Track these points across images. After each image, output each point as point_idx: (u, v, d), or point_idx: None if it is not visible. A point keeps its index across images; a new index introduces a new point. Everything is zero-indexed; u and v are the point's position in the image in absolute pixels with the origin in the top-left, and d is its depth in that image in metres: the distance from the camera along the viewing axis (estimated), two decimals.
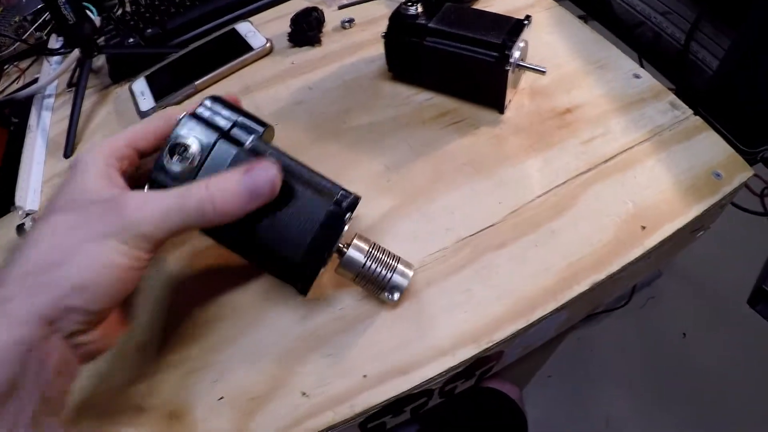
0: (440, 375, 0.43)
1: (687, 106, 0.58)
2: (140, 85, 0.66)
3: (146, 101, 0.64)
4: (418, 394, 0.45)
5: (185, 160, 0.39)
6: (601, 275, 0.47)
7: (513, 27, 0.54)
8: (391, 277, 0.44)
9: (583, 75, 0.60)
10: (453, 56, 0.55)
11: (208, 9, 0.70)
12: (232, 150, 0.39)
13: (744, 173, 0.53)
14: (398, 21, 0.57)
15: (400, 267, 0.44)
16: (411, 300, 0.46)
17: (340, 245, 0.42)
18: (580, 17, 0.68)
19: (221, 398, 0.44)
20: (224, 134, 0.40)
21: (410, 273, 0.45)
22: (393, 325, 0.45)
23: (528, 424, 0.72)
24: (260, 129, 0.42)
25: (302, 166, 0.42)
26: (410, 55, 0.58)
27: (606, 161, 0.53)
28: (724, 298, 1.15)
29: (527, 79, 0.60)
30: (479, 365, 0.48)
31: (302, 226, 0.40)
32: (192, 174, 0.39)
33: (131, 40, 0.69)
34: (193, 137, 0.39)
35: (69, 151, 0.65)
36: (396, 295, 0.44)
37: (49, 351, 0.32)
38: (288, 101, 0.64)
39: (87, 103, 0.69)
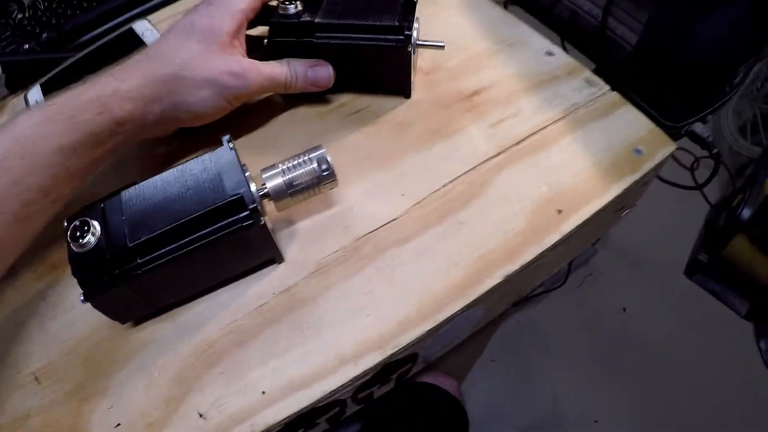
0: (344, 386, 0.38)
1: (604, 82, 0.52)
2: (35, 94, 0.58)
3: None
4: (327, 405, 0.40)
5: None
6: (515, 266, 0.42)
7: (405, 6, 0.48)
8: (315, 165, 0.40)
9: (492, 55, 0.54)
10: (349, 48, 0.48)
11: (105, 8, 0.62)
12: None
13: (666, 148, 0.49)
14: (280, 23, 0.49)
15: (311, 154, 0.41)
16: (309, 306, 0.41)
17: (261, 190, 0.40)
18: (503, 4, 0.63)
19: (118, 425, 0.38)
20: None
21: (321, 147, 0.42)
22: (290, 334, 0.39)
23: (470, 412, 0.68)
24: None
25: None
26: (300, 57, 0.50)
27: (517, 143, 0.48)
28: (661, 270, 1.12)
29: (432, 61, 0.54)
30: (392, 369, 0.42)
31: None
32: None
33: (27, 45, 0.61)
34: None
35: None
36: (331, 172, 0.41)
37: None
38: None
39: None
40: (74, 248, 0.36)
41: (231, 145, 0.39)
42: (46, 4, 0.65)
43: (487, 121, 0.49)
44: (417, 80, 0.53)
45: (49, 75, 0.60)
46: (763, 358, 0.97)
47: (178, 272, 0.38)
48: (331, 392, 0.38)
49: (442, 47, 0.48)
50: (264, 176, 0.40)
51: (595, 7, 0.65)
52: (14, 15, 0.67)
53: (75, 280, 0.45)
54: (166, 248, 0.37)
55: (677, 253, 1.07)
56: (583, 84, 0.52)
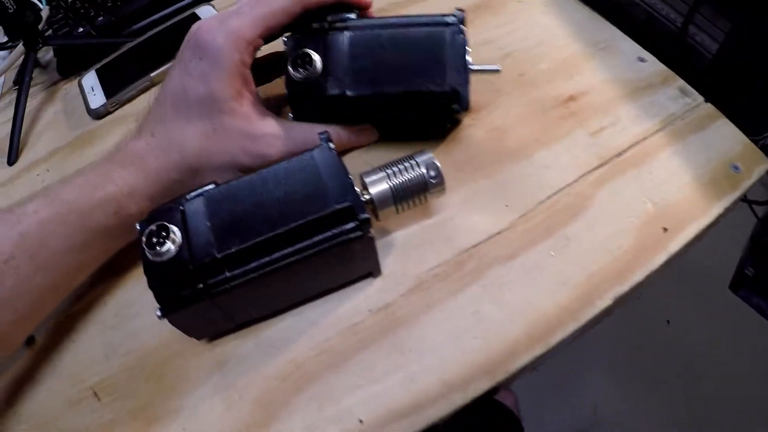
0: (449, 414, 0.33)
1: (697, 93, 0.48)
2: (90, 80, 0.53)
3: (96, 97, 0.51)
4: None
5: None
6: (625, 287, 0.37)
7: (452, 50, 0.39)
8: (423, 170, 0.35)
9: (585, 59, 0.49)
10: (391, 119, 0.42)
11: None
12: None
13: (762, 165, 0.45)
14: (302, 94, 0.39)
15: (418, 158, 0.36)
16: (409, 326, 0.36)
17: (362, 197, 0.34)
18: None
19: None
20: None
21: (427, 150, 0.37)
22: (389, 357, 0.35)
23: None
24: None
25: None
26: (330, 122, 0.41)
27: (618, 155, 0.43)
28: (706, 283, 1.07)
29: (525, 62, 0.49)
30: (486, 394, 0.38)
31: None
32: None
33: (81, 29, 0.56)
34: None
35: (13, 157, 0.52)
36: (441, 179, 0.36)
37: None
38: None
39: (33, 102, 0.56)
40: (150, 256, 0.31)
41: (331, 144, 0.34)
42: None
43: (586, 129, 0.44)
44: (511, 81, 0.48)
45: (105, 61, 0.55)
46: None
47: (269, 287, 0.33)
48: (435, 421, 0.33)
49: (498, 71, 0.41)
50: (367, 180, 0.35)
51: (673, 11, 0.61)
52: None
53: (139, 286, 0.41)
54: (260, 261, 0.32)
55: (722, 266, 1.03)
56: (677, 93, 0.48)
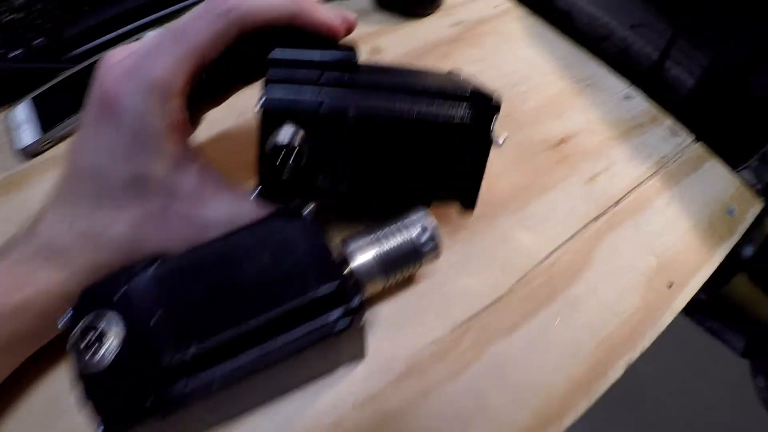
0: None
1: (687, 132, 0.44)
2: (22, 112, 0.44)
3: (27, 133, 0.43)
4: None
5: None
6: (636, 352, 0.33)
7: (476, 147, 0.30)
8: (415, 234, 0.29)
9: (572, 97, 0.45)
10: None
11: (115, 12, 0.49)
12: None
13: (755, 207, 0.42)
14: (280, 180, 0.28)
15: (409, 218, 0.30)
16: (403, 419, 0.29)
17: (345, 268, 0.27)
18: None
19: None
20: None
21: (421, 211, 0.30)
22: None
23: None
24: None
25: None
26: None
27: (615, 204, 0.39)
28: None
29: (508, 101, 0.43)
30: None
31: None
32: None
33: (16, 53, 0.48)
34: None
35: None
36: (435, 243, 0.29)
37: None
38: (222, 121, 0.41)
39: None
40: (82, 367, 0.22)
41: (309, 209, 0.27)
42: (42, 4, 0.51)
43: (580, 176, 0.39)
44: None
45: (43, 88, 0.46)
46: (761, 395, 0.94)
47: (235, 391, 0.25)
48: None
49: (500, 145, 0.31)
50: (348, 250, 0.28)
51: (648, 45, 0.57)
52: (2, 17, 0.52)
53: (68, 375, 0.32)
54: (227, 365, 0.23)
55: None
56: (667, 133, 0.44)
